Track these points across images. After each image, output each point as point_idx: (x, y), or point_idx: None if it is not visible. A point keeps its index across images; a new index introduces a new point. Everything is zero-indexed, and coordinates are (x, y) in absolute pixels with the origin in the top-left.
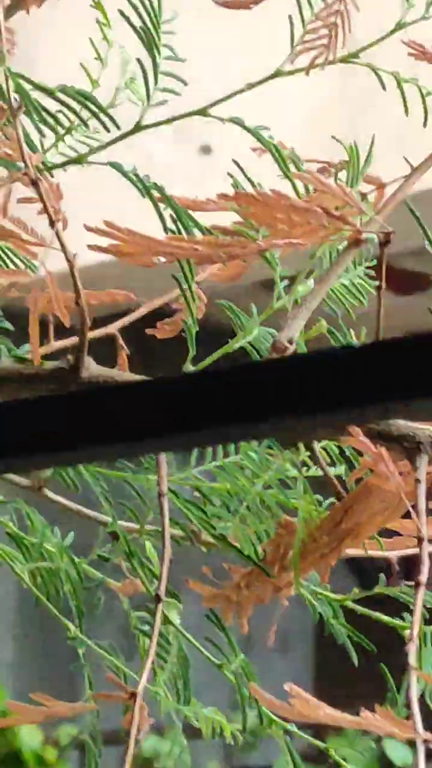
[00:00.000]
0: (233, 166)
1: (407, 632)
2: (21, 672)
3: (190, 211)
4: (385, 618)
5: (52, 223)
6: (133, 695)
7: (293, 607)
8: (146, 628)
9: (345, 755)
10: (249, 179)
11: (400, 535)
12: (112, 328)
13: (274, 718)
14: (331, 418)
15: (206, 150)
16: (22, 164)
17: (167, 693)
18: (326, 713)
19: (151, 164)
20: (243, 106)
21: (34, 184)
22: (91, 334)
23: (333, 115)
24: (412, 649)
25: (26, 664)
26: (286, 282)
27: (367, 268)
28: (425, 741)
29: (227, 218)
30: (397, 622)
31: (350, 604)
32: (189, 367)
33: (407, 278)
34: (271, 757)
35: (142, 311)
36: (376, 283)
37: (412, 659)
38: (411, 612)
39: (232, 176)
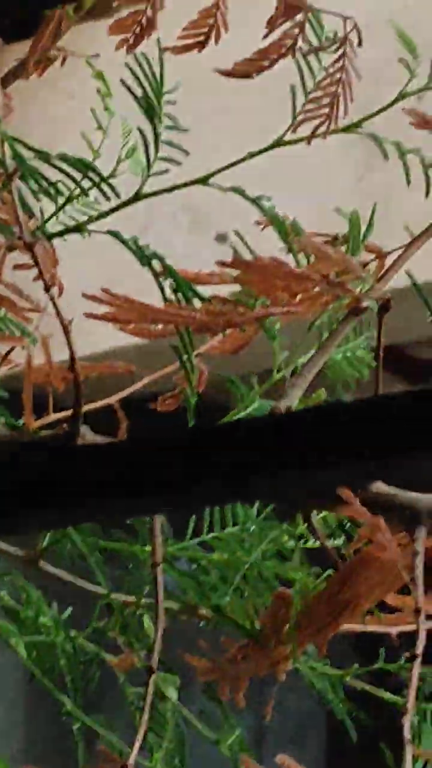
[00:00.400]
0: (248, 253)
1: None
2: (29, 754)
3: (192, 284)
4: (386, 695)
5: (47, 288)
6: (124, 767)
7: (306, 698)
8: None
9: None
10: (249, 248)
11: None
12: (112, 400)
13: None
14: (321, 476)
15: (222, 238)
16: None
17: None
18: None
19: (167, 252)
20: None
21: (29, 248)
22: (91, 406)
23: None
24: (406, 723)
25: (34, 740)
26: (286, 352)
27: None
28: None
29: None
30: (398, 698)
31: (350, 681)
32: None
33: (420, 367)
34: None
35: (142, 383)
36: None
37: (407, 733)
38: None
39: (233, 247)
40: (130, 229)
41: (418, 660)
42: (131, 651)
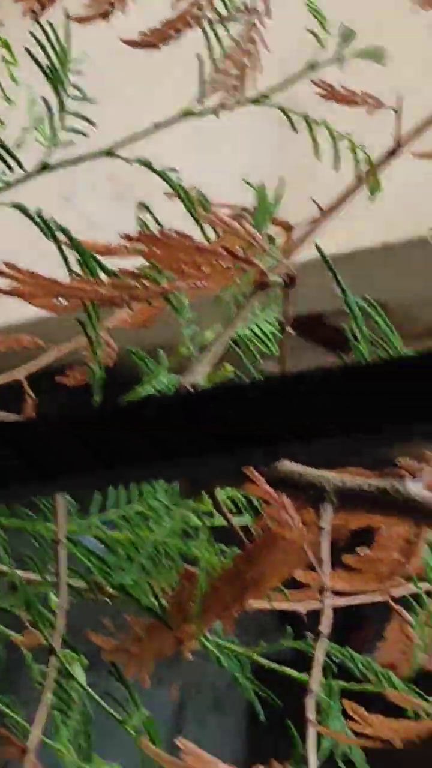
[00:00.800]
0: (171, 222)
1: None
2: None
3: (102, 257)
4: (294, 672)
5: None
6: (24, 750)
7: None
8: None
9: None
10: (157, 221)
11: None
12: (18, 375)
13: None
14: (224, 459)
15: (144, 207)
16: None
17: (70, 750)
18: None
19: (90, 221)
20: (179, 167)
21: None
22: None
23: (270, 180)
24: (310, 702)
25: None
26: (194, 327)
27: (300, 322)
28: None
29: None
30: (303, 676)
31: (256, 658)
32: None
33: (340, 336)
34: None
35: (51, 357)
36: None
37: (310, 713)
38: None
39: (140, 219)
40: (50, 199)
41: (323, 638)
42: (37, 629)
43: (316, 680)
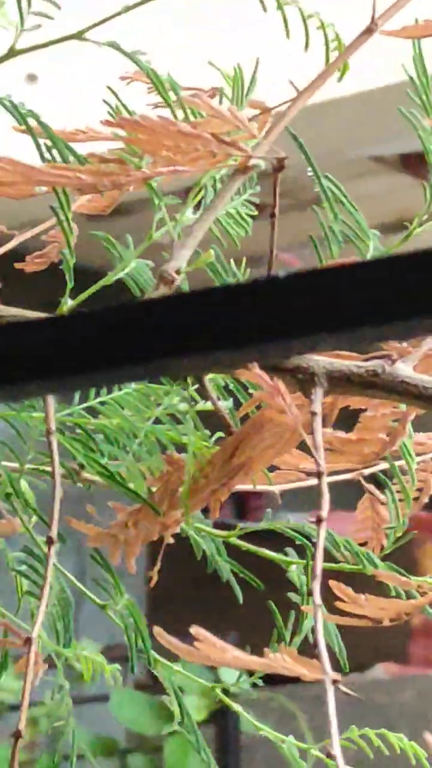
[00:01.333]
0: (60, 95)
1: (292, 567)
2: None
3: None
4: (271, 554)
5: None
6: (28, 641)
7: None
8: (23, 568)
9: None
10: (125, 106)
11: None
12: None
13: (160, 659)
14: (233, 356)
15: (32, 78)
16: None
17: (46, 635)
18: (233, 656)
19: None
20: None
21: None
22: None
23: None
24: (316, 587)
25: None
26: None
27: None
28: (334, 682)
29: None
30: (282, 557)
31: (234, 541)
32: (68, 301)
33: None
34: (108, 686)
35: (12, 244)
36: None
37: (317, 597)
38: (295, 548)
39: (107, 103)
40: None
41: (324, 523)
42: (13, 515)
43: (319, 564)
